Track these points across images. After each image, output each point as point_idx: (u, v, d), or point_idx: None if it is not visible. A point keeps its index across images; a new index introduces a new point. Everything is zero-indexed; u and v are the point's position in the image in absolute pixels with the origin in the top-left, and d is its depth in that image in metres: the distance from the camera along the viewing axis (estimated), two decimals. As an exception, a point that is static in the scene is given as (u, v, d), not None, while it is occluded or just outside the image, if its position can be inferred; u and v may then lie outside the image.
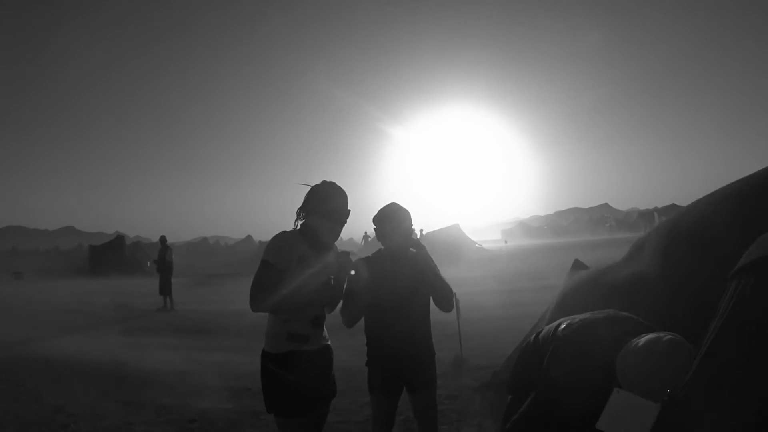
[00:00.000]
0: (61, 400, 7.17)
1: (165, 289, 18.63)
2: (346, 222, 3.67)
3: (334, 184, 3.68)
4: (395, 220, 3.91)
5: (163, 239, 20.15)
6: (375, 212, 3.95)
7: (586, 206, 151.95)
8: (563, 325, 3.39)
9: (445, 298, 3.95)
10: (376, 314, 3.88)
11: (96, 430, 6.11)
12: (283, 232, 3.54)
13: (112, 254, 41.58)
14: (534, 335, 3.74)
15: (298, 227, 3.62)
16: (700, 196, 4.74)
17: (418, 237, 25.72)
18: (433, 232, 46.04)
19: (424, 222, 55.71)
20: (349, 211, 3.67)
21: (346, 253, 3.73)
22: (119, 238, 44.19)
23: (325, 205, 3.58)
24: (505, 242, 54.29)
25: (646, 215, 73.80)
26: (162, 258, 19.14)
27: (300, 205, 3.67)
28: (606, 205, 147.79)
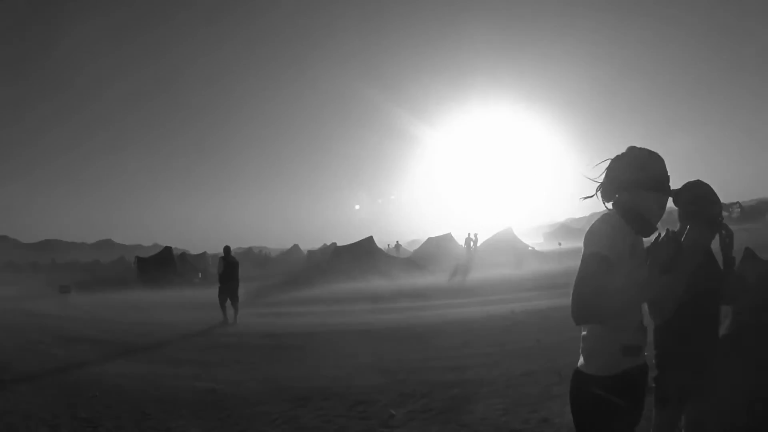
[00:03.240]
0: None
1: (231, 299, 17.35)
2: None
3: (646, 148, 2.96)
4: (708, 202, 3.54)
5: (226, 249, 18.25)
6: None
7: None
8: None
9: (737, 289, 3.65)
10: (684, 312, 3.39)
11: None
12: (609, 214, 2.82)
13: (161, 266, 41.23)
14: None
15: (611, 207, 2.90)
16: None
17: (474, 242, 25.64)
18: (492, 235, 45.33)
19: (475, 226, 54.93)
20: (669, 177, 2.94)
21: (676, 235, 3.06)
22: (167, 250, 43.73)
23: (648, 172, 2.84)
24: (559, 244, 53.50)
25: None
26: (232, 266, 17.81)
27: (602, 179, 2.95)
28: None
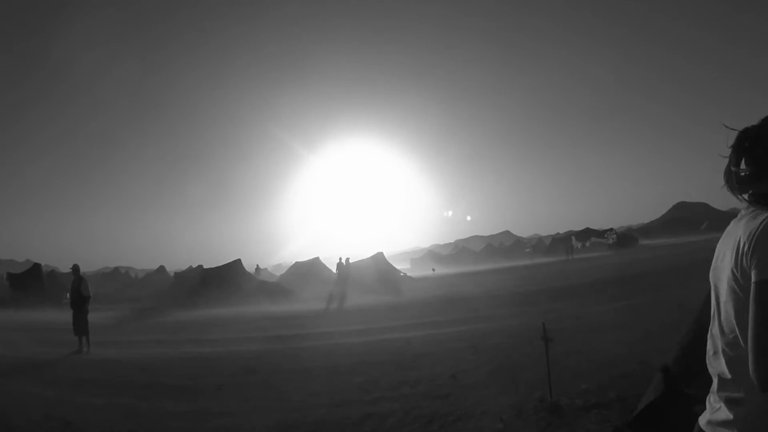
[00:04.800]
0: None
1: (81, 328, 15.71)
2: None
3: None
4: None
5: (75, 268, 16.95)
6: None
7: (487, 234, 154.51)
8: None
9: None
10: None
11: None
12: None
13: (31, 284, 36.85)
14: None
15: (746, 198, 2.01)
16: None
17: (346, 265, 24.50)
18: (363, 260, 44.40)
19: (344, 251, 53.98)
20: None
21: None
22: (36, 267, 39.35)
23: None
24: (433, 270, 53.63)
25: (564, 240, 74.90)
26: (76, 290, 16.29)
27: (735, 152, 2.03)
28: (507, 232, 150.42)
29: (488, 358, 11.08)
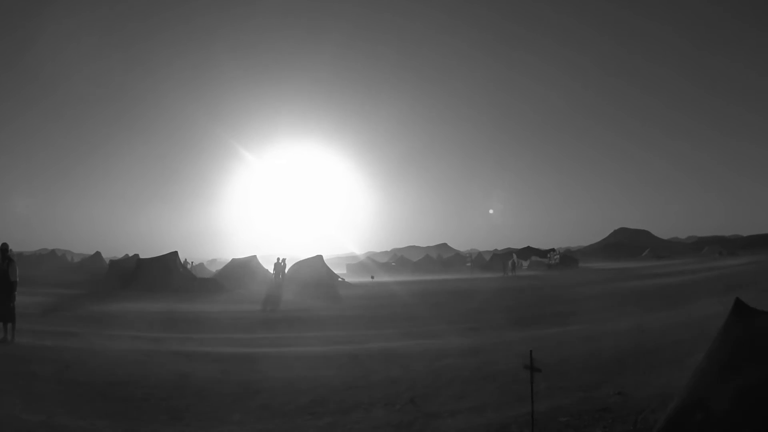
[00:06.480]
0: None
1: (6, 315, 14.01)
2: None
3: None
4: None
5: (3, 248, 14.90)
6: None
7: (425, 245, 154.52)
8: None
9: None
10: None
11: None
12: None
13: None
14: None
15: None
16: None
17: (282, 268, 23.20)
18: (301, 262, 43.02)
19: (281, 252, 52.47)
20: None
21: None
22: None
23: None
24: (372, 277, 52.49)
25: (505, 256, 74.68)
26: (3, 274, 14.54)
27: None
28: (445, 244, 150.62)
29: (448, 380, 10.04)
